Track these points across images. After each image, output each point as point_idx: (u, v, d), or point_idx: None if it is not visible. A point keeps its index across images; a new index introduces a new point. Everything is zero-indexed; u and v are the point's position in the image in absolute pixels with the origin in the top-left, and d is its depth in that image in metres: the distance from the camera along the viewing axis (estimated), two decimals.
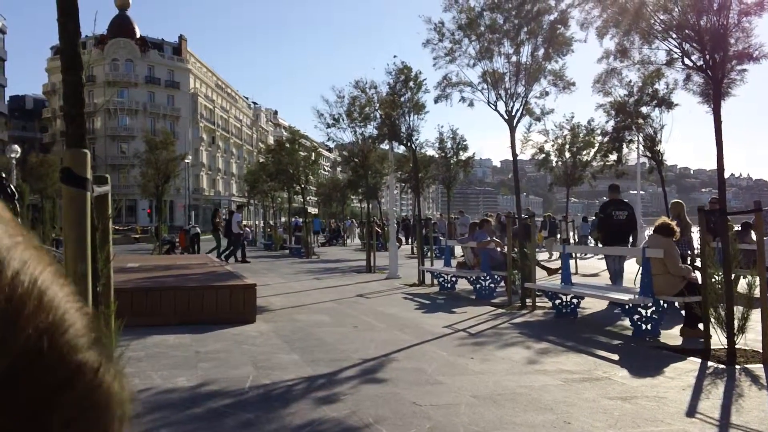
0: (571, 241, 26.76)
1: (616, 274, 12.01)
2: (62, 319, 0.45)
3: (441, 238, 27.58)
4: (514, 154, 11.80)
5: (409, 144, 17.10)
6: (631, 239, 12.03)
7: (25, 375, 0.41)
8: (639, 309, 8.16)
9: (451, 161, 31.38)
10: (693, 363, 6.62)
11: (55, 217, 28.90)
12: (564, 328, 8.94)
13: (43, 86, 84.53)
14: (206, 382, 5.84)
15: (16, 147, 31.59)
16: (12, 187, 15.24)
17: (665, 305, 8.28)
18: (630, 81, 17.04)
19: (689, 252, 11.63)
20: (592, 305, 10.57)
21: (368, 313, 10.38)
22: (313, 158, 32.88)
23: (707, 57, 7.01)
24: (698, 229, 7.64)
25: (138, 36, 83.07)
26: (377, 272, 18.40)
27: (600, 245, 13.49)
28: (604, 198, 13.07)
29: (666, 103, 17.36)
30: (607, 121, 19.66)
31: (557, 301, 9.93)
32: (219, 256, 24.39)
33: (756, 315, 6.73)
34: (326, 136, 20.19)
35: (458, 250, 16.81)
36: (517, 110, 11.43)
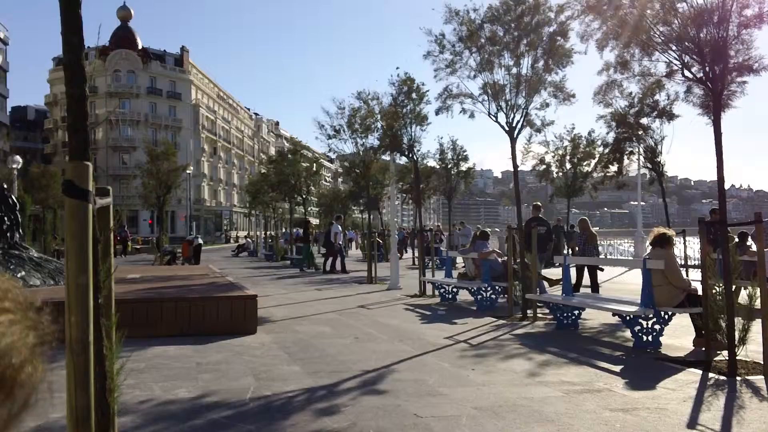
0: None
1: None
2: None
3: (442, 249, 27.61)
4: (515, 165, 11.82)
5: (410, 155, 17.13)
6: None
7: None
8: (640, 320, 8.16)
9: (452, 172, 31.41)
10: (694, 374, 6.61)
11: (56, 228, 28.97)
12: (565, 339, 8.93)
13: (45, 97, 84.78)
14: (207, 394, 5.84)
15: (18, 157, 31.65)
16: (13, 197, 15.25)
17: (666, 316, 8.27)
18: (631, 92, 17.07)
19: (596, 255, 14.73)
20: (593, 316, 10.57)
21: (369, 324, 10.37)
22: (314, 169, 32.93)
23: (707, 69, 7.04)
24: (699, 240, 7.65)
25: (140, 47, 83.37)
26: (378, 283, 18.39)
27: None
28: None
29: (667, 115, 17.38)
30: (607, 133, 19.70)
31: (558, 313, 9.93)
32: (308, 267, 24.70)
33: (757, 326, 6.73)
34: (327, 147, 20.26)
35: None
36: (518, 121, 11.46)
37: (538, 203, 16.87)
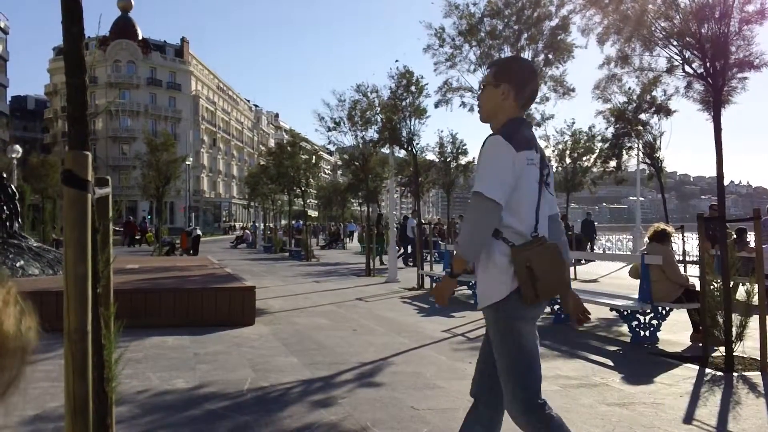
0: None
1: None
2: None
3: (441, 242, 27.65)
4: None
5: (409, 148, 17.12)
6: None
7: None
8: (637, 315, 8.18)
9: (451, 166, 31.35)
10: (691, 370, 6.63)
11: (55, 218, 28.96)
12: (562, 333, 8.95)
13: (45, 87, 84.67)
14: (204, 384, 5.85)
15: (18, 147, 31.67)
16: (13, 187, 15.24)
17: (663, 312, 8.29)
18: (629, 88, 17.05)
19: None
20: (590, 311, 10.58)
21: (367, 317, 10.39)
22: (313, 161, 32.87)
23: (708, 65, 7.03)
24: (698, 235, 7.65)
25: (140, 38, 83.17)
26: (376, 276, 18.41)
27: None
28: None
29: (664, 110, 17.37)
30: (606, 128, 19.68)
31: (555, 307, 9.94)
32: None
33: (754, 322, 6.74)
34: (327, 139, 20.21)
35: None
36: None
37: None
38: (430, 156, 31.02)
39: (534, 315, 3.10)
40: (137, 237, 42.53)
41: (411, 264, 23.58)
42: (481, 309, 3.11)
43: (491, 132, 3.15)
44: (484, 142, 3.09)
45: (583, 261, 23.77)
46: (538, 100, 11.81)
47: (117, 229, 48.43)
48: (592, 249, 27.34)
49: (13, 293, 0.58)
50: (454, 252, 3.07)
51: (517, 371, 3.01)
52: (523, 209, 3.04)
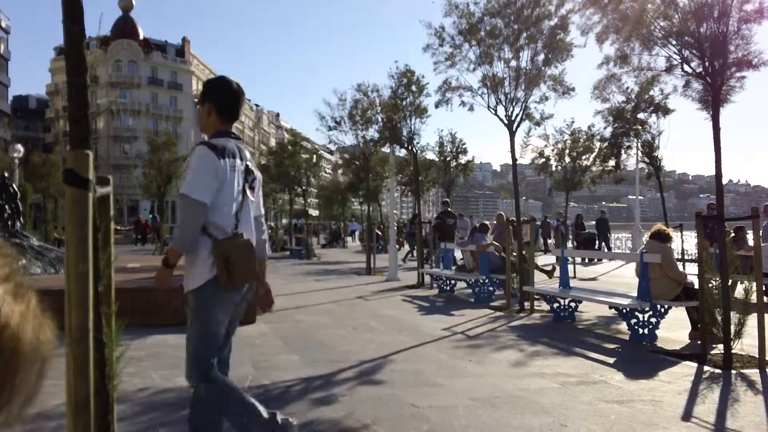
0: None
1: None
2: None
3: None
4: (514, 159, 11.83)
5: (410, 147, 17.14)
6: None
7: None
8: (636, 313, 8.20)
9: (451, 165, 31.37)
10: (689, 367, 6.65)
11: (57, 217, 29.00)
12: (561, 331, 8.98)
13: (47, 86, 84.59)
14: None
15: (19, 146, 31.68)
16: (14, 186, 15.28)
17: (662, 309, 8.31)
18: (628, 87, 17.04)
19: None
20: (589, 309, 10.61)
21: (367, 315, 10.41)
22: (314, 161, 32.91)
23: (707, 64, 7.05)
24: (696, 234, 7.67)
25: (141, 37, 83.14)
26: (377, 274, 18.43)
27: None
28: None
29: (662, 109, 17.38)
30: (605, 127, 19.67)
31: (555, 305, 9.97)
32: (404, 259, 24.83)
33: (752, 320, 6.77)
34: (328, 138, 20.24)
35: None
36: (517, 115, 11.47)
37: (447, 200, 20.76)
38: (430, 155, 31.05)
39: (228, 300, 3.66)
40: (149, 235, 42.57)
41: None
42: (186, 293, 3.64)
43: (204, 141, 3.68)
44: (192, 150, 3.65)
45: (595, 260, 23.78)
46: (537, 99, 11.87)
47: (119, 228, 48.44)
48: (608, 248, 27.28)
49: (33, 306, 0.59)
50: (171, 245, 3.74)
51: (200, 348, 3.59)
52: (226, 209, 3.57)
